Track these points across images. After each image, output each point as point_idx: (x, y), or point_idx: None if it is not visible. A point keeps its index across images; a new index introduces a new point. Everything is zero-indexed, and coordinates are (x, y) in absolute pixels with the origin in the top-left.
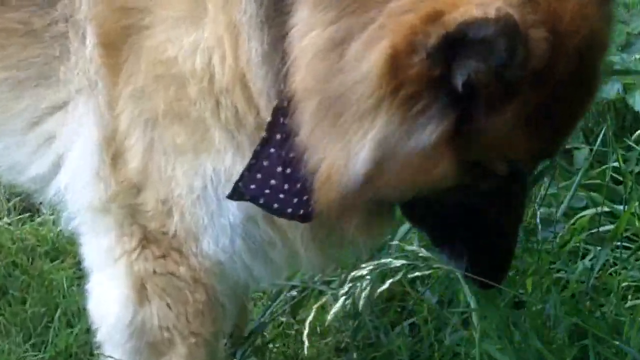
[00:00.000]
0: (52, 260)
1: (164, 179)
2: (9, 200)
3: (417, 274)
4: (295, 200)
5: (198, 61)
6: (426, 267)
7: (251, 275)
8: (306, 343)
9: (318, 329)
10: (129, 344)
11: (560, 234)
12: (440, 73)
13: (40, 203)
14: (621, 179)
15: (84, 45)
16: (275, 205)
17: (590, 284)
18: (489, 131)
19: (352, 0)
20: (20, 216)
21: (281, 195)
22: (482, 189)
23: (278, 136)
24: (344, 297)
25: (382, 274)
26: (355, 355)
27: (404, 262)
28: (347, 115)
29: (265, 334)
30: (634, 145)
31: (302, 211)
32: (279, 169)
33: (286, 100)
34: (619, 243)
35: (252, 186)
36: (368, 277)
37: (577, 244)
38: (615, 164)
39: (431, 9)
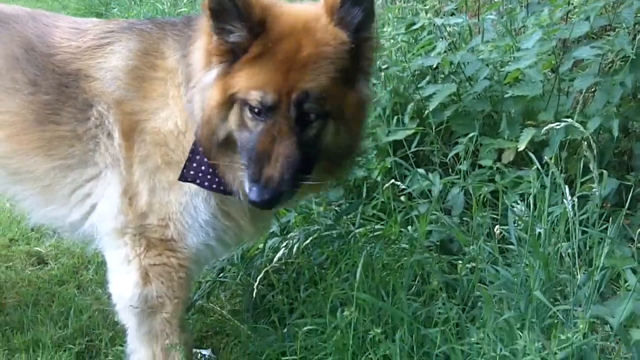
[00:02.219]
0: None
1: (162, 205)
2: None
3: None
4: (217, 179)
5: (170, 125)
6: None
7: (213, 254)
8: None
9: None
10: (138, 309)
11: None
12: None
13: None
14: None
15: (111, 138)
16: (206, 184)
17: None
18: (235, 71)
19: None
20: None
21: (209, 177)
22: (257, 126)
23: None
24: (283, 248)
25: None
26: (247, 315)
27: (319, 227)
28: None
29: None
30: None
31: (221, 187)
32: (205, 159)
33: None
34: None
35: (192, 172)
36: (297, 237)
37: None
38: None
39: None
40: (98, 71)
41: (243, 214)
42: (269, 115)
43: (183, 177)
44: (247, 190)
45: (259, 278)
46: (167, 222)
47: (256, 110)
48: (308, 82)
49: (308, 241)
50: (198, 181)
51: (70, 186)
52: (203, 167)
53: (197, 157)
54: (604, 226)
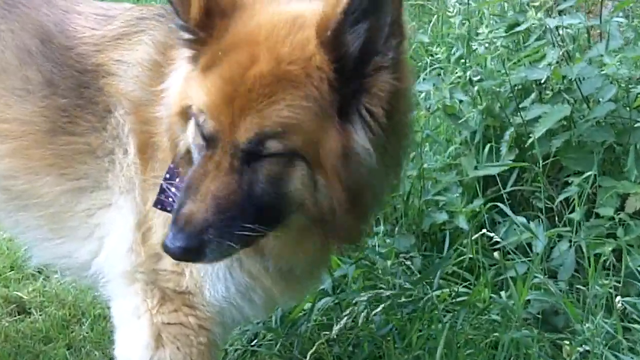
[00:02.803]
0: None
1: None
2: None
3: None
4: None
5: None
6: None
7: (242, 314)
8: None
9: None
10: None
11: None
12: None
13: None
14: None
15: (127, 156)
16: None
17: None
18: (192, 78)
19: None
20: None
21: None
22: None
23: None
24: (345, 317)
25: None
26: None
27: (391, 291)
28: None
29: None
30: None
31: None
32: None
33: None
34: None
35: (170, 200)
36: (364, 302)
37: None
38: None
39: None
40: (120, 65)
41: (265, 271)
42: (210, 143)
43: (158, 204)
44: None
45: (309, 354)
46: (182, 267)
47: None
48: (259, 112)
49: (378, 309)
50: (169, 208)
51: (82, 215)
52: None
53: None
54: None
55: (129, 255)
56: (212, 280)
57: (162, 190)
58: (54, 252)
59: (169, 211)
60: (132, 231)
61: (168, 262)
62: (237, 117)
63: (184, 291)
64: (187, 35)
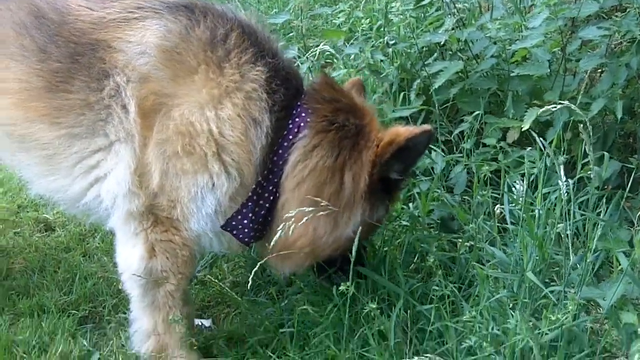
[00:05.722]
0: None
1: (173, 188)
2: None
3: None
4: (251, 234)
5: (213, 126)
6: None
7: (211, 244)
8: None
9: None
10: (143, 280)
11: None
12: (386, 174)
13: None
14: None
15: (126, 112)
16: (240, 236)
17: None
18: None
19: (337, 149)
20: None
21: (246, 230)
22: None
23: (255, 197)
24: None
25: None
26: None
27: None
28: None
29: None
30: None
31: (247, 240)
32: (250, 215)
33: (265, 182)
34: None
35: (233, 223)
36: None
37: None
38: None
39: (389, 139)
40: (123, 43)
41: None
42: None
43: (225, 226)
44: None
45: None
46: (175, 203)
47: None
48: None
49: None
50: (235, 232)
51: (75, 156)
52: (245, 221)
53: (244, 211)
54: (604, 209)
55: (131, 197)
56: (198, 218)
57: (232, 217)
58: (49, 188)
59: (229, 231)
60: (131, 175)
61: (164, 198)
62: None
63: (173, 218)
64: None
